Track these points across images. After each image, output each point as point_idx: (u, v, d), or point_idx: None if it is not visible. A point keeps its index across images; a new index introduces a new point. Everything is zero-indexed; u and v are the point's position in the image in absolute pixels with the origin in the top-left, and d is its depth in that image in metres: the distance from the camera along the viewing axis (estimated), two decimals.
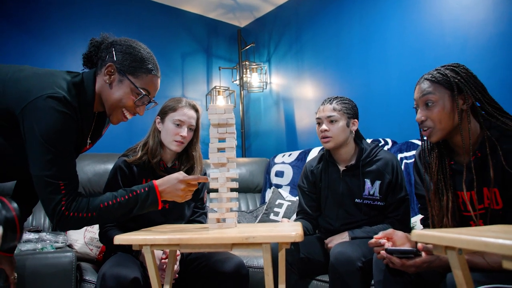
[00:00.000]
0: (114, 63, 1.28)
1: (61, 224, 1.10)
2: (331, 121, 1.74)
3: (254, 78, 3.53)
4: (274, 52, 3.60)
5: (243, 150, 3.62)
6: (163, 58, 3.44)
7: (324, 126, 1.75)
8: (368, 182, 1.73)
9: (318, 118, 1.80)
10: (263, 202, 2.89)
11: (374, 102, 2.68)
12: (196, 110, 1.79)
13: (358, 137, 1.85)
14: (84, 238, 2.12)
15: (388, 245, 1.25)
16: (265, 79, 3.57)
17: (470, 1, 2.22)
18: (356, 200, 1.74)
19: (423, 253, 1.15)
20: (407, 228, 1.76)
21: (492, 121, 1.19)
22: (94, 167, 2.50)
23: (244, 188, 2.97)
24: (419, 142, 2.16)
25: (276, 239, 0.99)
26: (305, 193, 1.90)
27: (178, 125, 1.72)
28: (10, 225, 0.60)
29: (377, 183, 1.73)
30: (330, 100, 1.79)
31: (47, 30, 2.87)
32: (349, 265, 1.43)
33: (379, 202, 1.72)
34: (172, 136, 1.71)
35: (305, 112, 3.25)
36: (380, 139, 2.39)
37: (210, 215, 1.25)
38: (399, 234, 1.26)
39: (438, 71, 1.25)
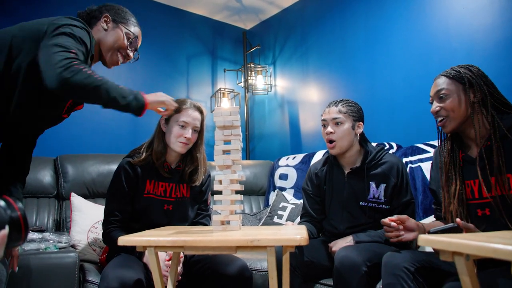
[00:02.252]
0: (109, 14, 1.54)
1: (67, 71, 1.16)
2: (337, 124, 1.74)
3: (259, 81, 3.53)
4: (279, 54, 3.59)
5: (247, 152, 3.61)
6: (168, 59, 3.45)
7: (329, 129, 1.75)
8: (373, 185, 1.72)
9: (323, 120, 1.80)
10: (267, 204, 2.88)
11: (379, 106, 2.67)
12: (201, 112, 1.79)
13: (364, 140, 1.84)
14: (87, 238, 2.12)
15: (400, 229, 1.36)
16: (270, 82, 3.57)
17: (476, 6, 2.21)
18: (361, 203, 1.73)
19: (463, 230, 1.18)
20: None
21: (504, 114, 1.30)
22: (98, 167, 2.51)
23: (248, 190, 2.96)
24: (424, 147, 2.16)
25: (281, 242, 0.99)
26: (309, 196, 1.89)
27: (182, 126, 1.72)
28: (15, 224, 0.60)
29: (382, 186, 1.72)
30: (336, 103, 1.79)
31: None
32: (353, 269, 1.42)
33: (384, 206, 1.71)
34: (177, 137, 1.71)
35: (310, 115, 3.25)
36: (385, 143, 2.38)
37: (214, 217, 1.25)
38: (412, 221, 1.38)
39: (453, 68, 1.39)
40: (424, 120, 2.38)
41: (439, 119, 1.37)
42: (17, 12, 2.78)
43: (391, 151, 2.31)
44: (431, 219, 1.77)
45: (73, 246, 2.05)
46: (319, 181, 1.86)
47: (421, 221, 1.52)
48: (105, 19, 1.53)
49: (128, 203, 1.71)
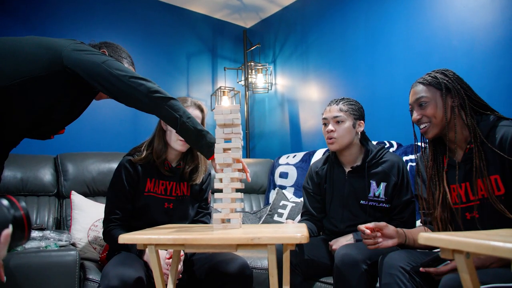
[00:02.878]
0: (106, 51, 1.60)
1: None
2: (337, 122, 1.75)
3: (259, 79, 3.53)
4: (280, 53, 3.59)
5: (248, 151, 3.61)
6: (168, 57, 3.45)
7: (330, 127, 1.76)
8: (373, 184, 1.72)
9: (324, 119, 1.80)
10: (267, 203, 2.88)
11: (380, 104, 2.67)
12: (202, 110, 1.78)
13: (364, 139, 1.84)
14: (88, 237, 2.12)
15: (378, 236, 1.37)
16: (270, 80, 3.57)
17: (476, 4, 2.21)
18: (362, 201, 1.73)
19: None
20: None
21: (482, 115, 1.34)
22: (98, 166, 2.51)
23: (248, 189, 2.96)
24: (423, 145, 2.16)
25: (282, 240, 0.99)
26: (310, 194, 1.90)
27: None
28: (18, 224, 0.60)
29: (383, 184, 1.72)
30: (337, 101, 1.80)
31: (51, 28, 2.89)
32: (354, 268, 1.42)
33: (384, 204, 1.71)
34: (177, 136, 1.71)
35: (310, 113, 3.25)
36: (385, 142, 2.38)
37: (215, 215, 1.25)
38: (390, 228, 1.38)
39: (429, 74, 1.40)
40: None
41: (422, 126, 1.39)
42: (17, 12, 2.78)
43: (391, 150, 2.32)
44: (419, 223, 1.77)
45: (73, 244, 2.05)
46: (320, 180, 1.87)
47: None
48: (102, 53, 1.55)
49: (129, 201, 1.71)
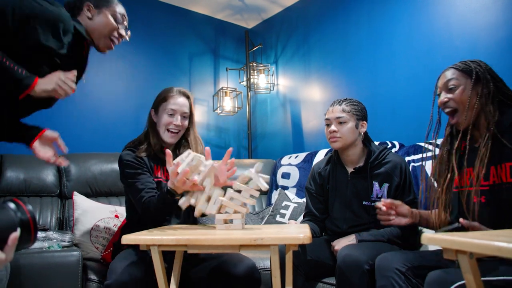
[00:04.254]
0: (90, 1, 1.52)
1: None
2: (340, 123, 1.75)
3: (261, 80, 3.53)
4: (282, 53, 3.59)
5: (250, 151, 3.61)
6: (171, 58, 3.45)
7: (333, 127, 1.76)
8: (376, 185, 1.72)
9: (327, 119, 1.80)
10: (269, 203, 2.88)
11: (382, 105, 2.67)
12: (188, 97, 1.80)
13: (367, 139, 1.84)
14: (90, 237, 2.13)
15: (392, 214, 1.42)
16: (272, 81, 3.57)
17: (479, 4, 2.21)
18: (364, 202, 1.73)
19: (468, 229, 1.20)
20: (414, 232, 1.74)
21: (510, 108, 1.32)
22: (100, 166, 2.52)
23: None
24: (427, 146, 2.15)
25: (285, 241, 0.99)
26: (312, 195, 1.89)
27: (171, 114, 1.73)
28: (25, 227, 0.61)
29: (385, 185, 1.71)
30: (339, 102, 1.80)
31: None
32: (356, 268, 1.42)
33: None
34: (166, 125, 1.72)
35: (312, 114, 3.24)
36: (388, 142, 2.38)
37: (218, 216, 1.25)
38: (405, 207, 1.44)
39: (462, 62, 1.40)
40: (427, 118, 2.37)
41: (447, 110, 1.38)
42: None
43: (393, 150, 2.31)
44: None
45: (76, 244, 2.06)
46: (322, 181, 1.87)
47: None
48: (87, 8, 1.52)
49: (150, 175, 1.68)
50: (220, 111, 3.50)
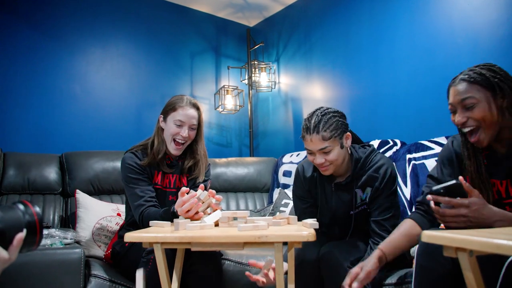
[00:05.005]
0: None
1: None
2: (325, 152, 1.54)
3: (262, 78, 3.53)
4: (283, 51, 3.59)
5: (251, 149, 3.62)
6: (172, 56, 3.46)
7: (319, 160, 1.55)
8: (359, 192, 1.62)
9: (308, 149, 1.58)
10: (270, 201, 2.89)
11: (383, 103, 2.67)
12: (197, 109, 1.80)
13: (354, 141, 1.68)
14: (92, 235, 2.14)
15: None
16: (274, 79, 3.57)
17: (480, 2, 2.20)
18: (351, 212, 1.64)
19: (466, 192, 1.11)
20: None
21: None
22: (102, 164, 2.53)
23: (252, 187, 2.97)
24: (428, 143, 2.15)
25: (289, 238, 1.00)
26: (300, 199, 1.76)
27: (178, 125, 1.73)
28: (31, 229, 0.61)
29: (369, 189, 1.60)
30: (315, 128, 1.53)
31: (55, 27, 2.89)
32: (337, 265, 1.43)
33: (367, 208, 1.62)
34: (173, 135, 1.73)
35: None
36: (389, 140, 2.38)
37: (223, 213, 1.27)
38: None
39: (474, 71, 1.23)
40: (428, 116, 2.38)
41: (467, 129, 1.22)
42: (20, 10, 2.79)
43: (395, 148, 2.31)
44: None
45: (78, 242, 2.07)
46: (309, 186, 1.72)
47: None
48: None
49: (150, 182, 1.71)
50: (222, 109, 3.50)
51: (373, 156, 1.63)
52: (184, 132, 1.72)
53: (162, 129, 1.79)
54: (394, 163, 2.22)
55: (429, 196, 1.13)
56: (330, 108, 1.60)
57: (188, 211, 1.38)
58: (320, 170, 1.60)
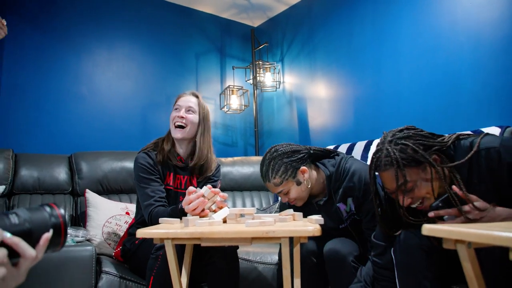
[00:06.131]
0: None
1: None
2: (285, 193, 1.60)
3: (267, 78, 3.56)
4: (287, 51, 3.63)
5: (257, 148, 3.66)
6: (177, 57, 3.50)
7: (283, 199, 1.64)
8: (341, 205, 1.62)
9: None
10: (276, 200, 2.93)
11: (386, 101, 2.70)
12: (196, 96, 1.87)
13: (316, 166, 1.67)
14: (102, 233, 2.19)
15: None
16: (278, 79, 3.60)
17: (483, 0, 2.22)
18: (340, 226, 1.66)
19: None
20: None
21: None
22: (111, 164, 2.57)
23: (257, 186, 3.01)
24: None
25: (296, 233, 1.03)
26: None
27: (176, 109, 1.82)
28: (57, 230, 0.65)
29: (349, 200, 1.61)
30: (266, 177, 1.60)
31: (60, 28, 2.94)
32: (341, 260, 1.47)
33: (357, 217, 1.64)
34: (172, 120, 1.81)
35: (318, 111, 3.28)
36: None
37: (230, 210, 1.30)
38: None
39: (394, 152, 1.21)
40: (430, 114, 2.40)
41: (415, 205, 1.24)
42: (25, 11, 2.84)
43: None
44: None
45: (89, 240, 2.11)
46: (295, 208, 1.68)
47: None
48: None
49: (162, 184, 1.75)
50: (227, 109, 3.54)
51: (343, 166, 1.62)
52: (179, 112, 1.79)
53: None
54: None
55: (431, 213, 1.15)
56: (279, 149, 1.61)
57: (195, 209, 1.42)
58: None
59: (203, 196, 1.43)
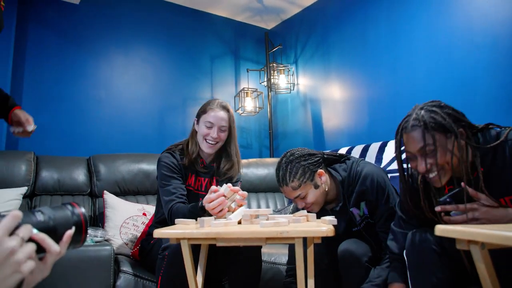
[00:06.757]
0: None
1: None
2: (302, 198, 1.59)
3: (281, 80, 3.58)
4: (301, 53, 3.63)
5: (271, 150, 3.67)
6: (192, 60, 3.55)
7: (299, 204, 1.62)
8: (355, 210, 1.63)
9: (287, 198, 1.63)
10: (290, 201, 2.94)
11: (401, 102, 2.68)
12: (227, 111, 1.85)
13: (329, 164, 1.67)
14: (120, 233, 2.23)
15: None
16: (293, 81, 3.61)
17: None
18: (354, 229, 1.66)
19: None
20: None
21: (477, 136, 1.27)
22: (128, 166, 2.62)
23: (272, 187, 3.02)
24: None
25: (309, 233, 1.04)
26: None
27: (209, 127, 1.80)
28: (78, 227, 0.69)
29: (362, 204, 1.61)
30: (283, 180, 1.58)
31: (80, 34, 3.03)
32: (355, 261, 1.48)
33: (371, 220, 1.64)
34: (203, 136, 1.80)
35: (333, 112, 3.27)
36: None
37: (245, 211, 1.32)
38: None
39: (425, 115, 1.24)
40: None
41: (432, 175, 1.23)
42: (48, 19, 2.92)
43: None
44: None
45: (107, 240, 2.16)
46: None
47: None
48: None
49: (184, 183, 1.78)
50: (242, 112, 3.56)
51: (354, 169, 1.62)
52: (214, 133, 1.79)
53: (196, 132, 1.87)
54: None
55: (437, 208, 1.16)
56: (295, 153, 1.61)
57: (215, 208, 1.44)
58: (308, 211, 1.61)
59: (224, 196, 1.44)
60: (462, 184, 1.14)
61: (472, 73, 2.28)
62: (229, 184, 1.49)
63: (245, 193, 1.51)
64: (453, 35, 2.39)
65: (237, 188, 1.50)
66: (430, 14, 2.54)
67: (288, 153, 1.63)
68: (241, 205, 1.50)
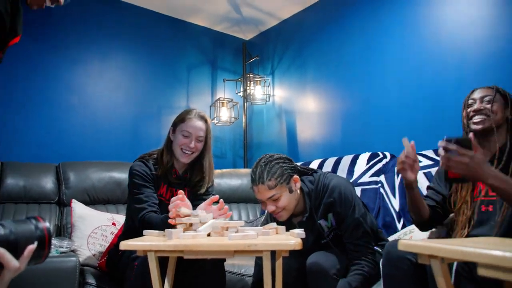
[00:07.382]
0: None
1: None
2: (274, 200, 1.58)
3: (257, 91, 3.60)
4: (278, 65, 3.67)
5: (245, 161, 3.67)
6: (169, 69, 3.53)
7: (270, 207, 1.60)
8: (323, 221, 1.65)
9: (259, 199, 1.64)
10: (262, 212, 2.93)
11: (374, 116, 2.74)
12: (205, 121, 1.85)
13: (301, 173, 1.70)
14: (87, 244, 2.17)
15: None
16: (268, 92, 3.64)
17: (467, 20, 2.29)
18: (322, 241, 1.67)
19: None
20: (369, 249, 1.59)
21: None
22: (99, 174, 2.57)
23: (245, 198, 3.01)
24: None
25: (277, 247, 1.04)
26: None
27: (186, 136, 1.78)
28: (41, 243, 0.66)
29: (330, 215, 1.63)
30: (260, 178, 1.57)
31: (55, 39, 2.96)
32: (323, 274, 1.48)
33: (339, 231, 1.65)
34: (180, 146, 1.78)
35: (307, 124, 3.31)
36: (379, 153, 2.44)
37: (215, 223, 1.31)
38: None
39: (492, 86, 1.54)
40: (417, 130, 2.45)
41: (478, 118, 1.47)
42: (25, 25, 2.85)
43: (384, 161, 2.36)
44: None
45: (73, 251, 2.10)
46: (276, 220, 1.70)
47: (403, 230, 1.58)
48: None
49: (155, 192, 1.75)
50: (217, 121, 3.56)
51: (322, 181, 1.64)
52: (191, 143, 1.77)
53: (171, 141, 1.84)
54: (383, 174, 2.28)
55: (440, 142, 1.29)
56: (274, 155, 1.65)
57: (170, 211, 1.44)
58: (276, 217, 1.64)
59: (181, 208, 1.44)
60: (471, 134, 1.30)
61: (441, 89, 2.37)
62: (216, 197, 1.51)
63: (231, 213, 1.52)
64: (423, 53, 2.48)
65: (224, 206, 1.51)
66: (402, 33, 2.62)
67: (267, 155, 1.66)
68: (228, 216, 1.51)
